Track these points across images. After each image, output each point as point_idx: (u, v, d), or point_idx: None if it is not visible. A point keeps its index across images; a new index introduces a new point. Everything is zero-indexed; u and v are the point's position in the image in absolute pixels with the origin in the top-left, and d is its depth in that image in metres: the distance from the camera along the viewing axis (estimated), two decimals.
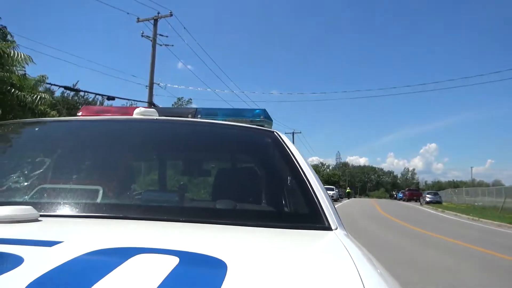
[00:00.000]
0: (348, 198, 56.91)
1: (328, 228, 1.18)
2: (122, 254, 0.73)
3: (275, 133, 1.74)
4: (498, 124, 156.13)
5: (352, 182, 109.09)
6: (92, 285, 0.59)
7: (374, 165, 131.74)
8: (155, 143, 1.71)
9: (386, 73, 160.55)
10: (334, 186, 50.57)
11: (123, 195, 1.36)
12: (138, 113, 1.92)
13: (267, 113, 2.38)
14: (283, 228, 1.16)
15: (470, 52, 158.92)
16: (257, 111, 2.40)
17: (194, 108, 2.55)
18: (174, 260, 0.70)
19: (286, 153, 1.53)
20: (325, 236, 1.12)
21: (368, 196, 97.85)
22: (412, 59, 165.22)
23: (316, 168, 78.95)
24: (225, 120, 2.13)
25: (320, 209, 1.24)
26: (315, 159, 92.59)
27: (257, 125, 2.00)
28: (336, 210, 1.44)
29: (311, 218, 1.25)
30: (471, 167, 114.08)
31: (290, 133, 49.33)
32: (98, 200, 1.28)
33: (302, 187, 1.34)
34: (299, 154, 1.54)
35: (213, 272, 0.70)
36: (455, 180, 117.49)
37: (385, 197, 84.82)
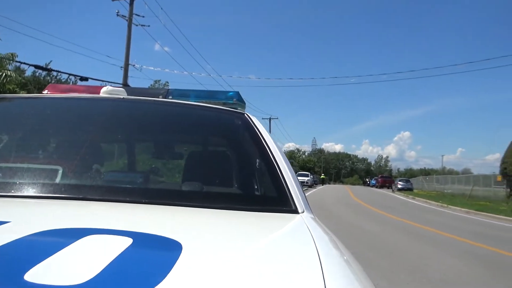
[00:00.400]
0: (323, 184, 57.71)
1: (295, 211, 1.17)
2: (71, 235, 0.70)
3: (245, 115, 1.71)
4: (469, 114, 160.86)
5: (327, 168, 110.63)
6: (33, 266, 0.55)
7: (349, 152, 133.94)
8: (120, 123, 1.65)
9: (363, 61, 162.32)
10: (309, 172, 51.14)
11: (84, 175, 1.30)
12: (105, 92, 1.85)
13: (240, 95, 2.35)
14: (249, 211, 1.15)
15: (445, 42, 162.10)
16: (230, 93, 2.36)
17: (166, 88, 2.49)
18: (127, 241, 0.67)
19: (256, 136, 1.51)
20: (291, 219, 1.11)
21: (342, 182, 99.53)
22: (389, 48, 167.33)
23: (292, 154, 79.69)
24: (198, 102, 2.09)
25: (287, 192, 1.23)
26: (291, 145, 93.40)
27: (230, 108, 1.97)
28: (304, 194, 1.43)
29: (278, 201, 1.24)
30: (442, 156, 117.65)
31: (267, 118, 49.38)
32: (57, 180, 1.22)
33: (271, 170, 1.33)
34: (269, 137, 1.52)
35: (166, 253, 0.68)
36: (426, 167, 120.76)
37: (358, 184, 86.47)
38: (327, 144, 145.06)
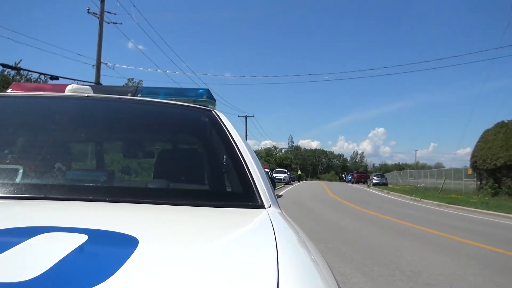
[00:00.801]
0: (299, 181, 58.12)
1: (261, 206, 1.18)
2: (24, 234, 0.69)
3: (213, 112, 1.71)
4: (441, 109, 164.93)
5: (304, 165, 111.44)
6: None
7: (325, 149, 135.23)
8: (84, 121, 1.63)
9: (337, 58, 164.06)
10: (286, 169, 51.37)
11: (46, 174, 1.28)
12: (70, 90, 1.82)
13: (210, 93, 2.34)
14: (215, 207, 1.16)
15: (417, 39, 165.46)
16: (200, 90, 2.35)
17: (135, 86, 2.46)
18: (82, 238, 0.67)
19: (223, 133, 1.51)
20: (256, 214, 1.12)
21: (319, 178, 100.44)
22: (363, 45, 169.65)
23: (269, 152, 79.86)
24: (167, 100, 2.07)
25: (253, 187, 1.24)
26: (268, 143, 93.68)
27: (200, 105, 1.96)
28: (273, 189, 1.44)
29: (244, 197, 1.25)
30: (416, 151, 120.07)
31: (243, 116, 49.40)
32: (17, 180, 1.20)
33: (237, 166, 1.34)
34: (237, 134, 1.53)
35: (121, 248, 0.68)
36: (400, 162, 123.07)
37: (335, 180, 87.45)
38: (303, 141, 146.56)
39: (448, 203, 18.14)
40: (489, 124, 26.56)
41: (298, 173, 67.16)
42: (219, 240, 0.85)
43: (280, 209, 1.32)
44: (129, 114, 1.69)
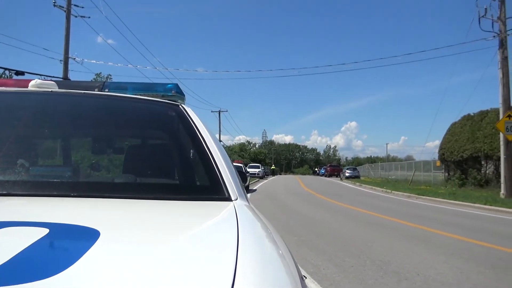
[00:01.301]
0: (273, 175, 58.44)
1: (228, 199, 1.19)
2: None
3: (180, 106, 1.71)
4: (411, 103, 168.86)
5: (278, 159, 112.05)
6: None
7: (298, 143, 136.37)
8: (48, 116, 1.60)
9: (309, 53, 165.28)
10: (260, 164, 51.49)
11: (8, 171, 1.26)
12: (34, 85, 1.78)
13: (179, 87, 2.33)
14: (182, 200, 1.16)
15: (387, 35, 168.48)
16: (169, 85, 2.33)
17: (102, 81, 2.42)
18: (43, 231, 0.67)
19: (190, 127, 1.52)
20: (222, 207, 1.13)
21: (293, 173, 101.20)
22: (334, 40, 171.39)
23: (243, 147, 79.87)
24: (135, 95, 2.06)
25: (220, 180, 1.25)
26: (242, 138, 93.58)
27: (168, 100, 1.96)
28: (240, 182, 1.46)
29: (211, 190, 1.26)
30: (387, 144, 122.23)
31: (217, 111, 49.22)
32: None
33: (204, 159, 1.35)
34: (204, 128, 1.54)
35: (81, 241, 0.68)
36: (372, 156, 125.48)
37: (309, 174, 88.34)
38: (277, 136, 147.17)
39: (418, 194, 18.65)
40: (456, 117, 27.45)
41: (272, 167, 67.53)
42: (180, 233, 0.86)
43: (248, 202, 1.34)
44: (94, 110, 1.67)
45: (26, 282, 0.52)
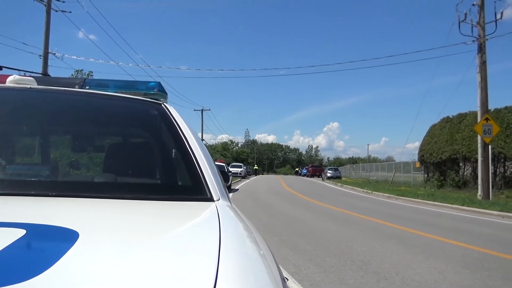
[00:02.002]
0: (256, 175, 58.47)
1: (210, 199, 1.19)
2: None
3: (162, 105, 1.70)
4: (392, 105, 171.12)
5: (260, 159, 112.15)
6: None
7: (281, 143, 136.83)
8: (26, 113, 1.56)
9: (293, 54, 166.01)
10: (242, 163, 51.48)
11: None
12: (12, 81, 1.74)
13: (162, 86, 2.31)
14: (163, 200, 1.15)
15: (369, 37, 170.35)
16: (151, 83, 2.31)
17: (83, 78, 2.39)
18: (19, 232, 0.66)
19: (172, 126, 1.51)
20: (203, 207, 1.12)
21: (275, 172, 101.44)
22: (318, 41, 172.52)
23: (226, 146, 79.64)
24: (117, 92, 2.03)
25: (202, 180, 1.25)
26: (224, 137, 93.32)
27: (151, 99, 1.94)
28: (223, 182, 1.45)
29: (192, 190, 1.26)
30: (368, 145, 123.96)
31: (199, 110, 48.96)
32: None
33: (186, 159, 1.34)
34: (186, 127, 1.52)
35: (59, 242, 0.67)
36: (354, 156, 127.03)
37: (291, 174, 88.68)
38: (260, 135, 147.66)
39: (398, 195, 18.92)
40: (436, 120, 27.89)
41: (255, 167, 67.58)
42: (161, 235, 0.85)
43: (230, 202, 1.34)
44: (74, 107, 1.64)
45: (0, 286, 0.50)
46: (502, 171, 20.55)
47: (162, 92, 2.27)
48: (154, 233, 0.84)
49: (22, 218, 0.78)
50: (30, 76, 2.02)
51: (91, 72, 26.22)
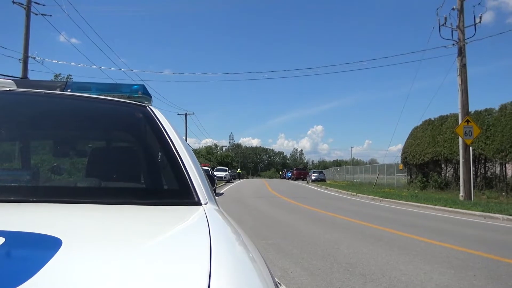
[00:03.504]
0: (240, 179, 58.39)
1: (197, 203, 1.17)
2: None
3: (147, 108, 1.67)
4: (375, 107, 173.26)
5: (245, 163, 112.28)
6: None
7: (266, 146, 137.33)
8: (5, 117, 1.51)
9: (276, 57, 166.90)
10: (227, 167, 51.38)
11: None
12: None
13: (146, 89, 2.28)
14: (149, 205, 1.13)
15: (352, 41, 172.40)
16: (135, 86, 2.28)
17: (64, 81, 2.34)
18: None
19: (158, 129, 1.49)
20: (192, 211, 1.10)
21: (260, 176, 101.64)
22: (301, 45, 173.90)
23: (210, 150, 79.44)
24: (100, 95, 1.99)
25: (189, 184, 1.23)
26: (208, 141, 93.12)
27: (135, 101, 1.91)
28: (210, 186, 1.43)
29: (180, 194, 1.24)
30: (351, 147, 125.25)
31: (183, 114, 48.72)
32: None
33: (173, 162, 1.32)
34: (172, 130, 1.50)
35: (41, 250, 0.63)
36: (338, 159, 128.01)
37: (276, 177, 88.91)
38: (244, 139, 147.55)
39: (382, 197, 19.11)
40: (418, 122, 28.31)
41: (238, 171, 67.45)
42: (150, 239, 0.82)
43: (218, 206, 1.32)
44: (56, 110, 1.60)
45: None
46: (483, 172, 20.95)
47: (146, 95, 2.23)
48: (141, 239, 0.81)
49: (0, 226, 0.74)
50: (10, 79, 1.96)
51: (70, 75, 25.67)
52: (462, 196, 16.69)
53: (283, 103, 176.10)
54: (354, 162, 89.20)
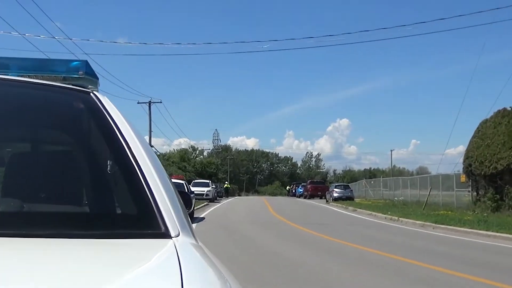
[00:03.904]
0: (228, 197, 58.38)
1: (165, 234, 1.19)
2: None
3: (91, 94, 1.70)
4: (424, 93, 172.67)
5: (236, 173, 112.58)
6: None
7: (266, 149, 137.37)
8: None
9: (281, 20, 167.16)
10: (210, 180, 51.14)
11: None
12: None
13: (90, 66, 2.29)
14: (95, 238, 1.15)
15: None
16: (75, 63, 2.29)
17: None
18: None
19: (106, 125, 1.51)
20: (155, 247, 1.12)
21: (258, 192, 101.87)
22: (316, 4, 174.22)
23: (185, 155, 79.58)
24: (22, 77, 2.01)
25: (153, 206, 1.24)
26: (183, 142, 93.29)
27: (73, 85, 1.92)
28: (183, 208, 1.44)
29: (139, 221, 1.26)
30: (391, 150, 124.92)
31: (146, 102, 48.73)
32: None
33: (128, 174, 1.34)
34: (128, 127, 1.53)
35: None
36: (371, 168, 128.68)
37: (281, 194, 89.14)
38: (235, 139, 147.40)
39: (436, 222, 19.18)
40: (487, 113, 28.26)
41: (226, 184, 67.47)
42: None
43: (195, 238, 1.34)
44: None
45: None
46: None
47: (90, 75, 2.24)
48: None
49: None
50: None
51: None
52: None
53: (291, 87, 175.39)
54: (395, 172, 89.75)
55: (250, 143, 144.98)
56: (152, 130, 46.57)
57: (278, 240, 14.15)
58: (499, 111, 26.11)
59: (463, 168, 28.94)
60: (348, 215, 27.21)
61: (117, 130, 1.47)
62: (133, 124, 1.62)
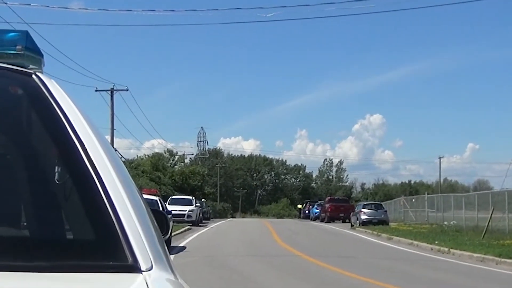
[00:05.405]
0: (218, 218, 58.46)
1: (133, 267, 1.20)
2: None
3: (34, 77, 1.73)
4: (482, 81, 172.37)
5: (229, 187, 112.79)
6: None
7: (270, 155, 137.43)
8: None
9: None
10: (193, 196, 51.15)
11: None
12: None
13: (32, 40, 2.31)
14: (40, 272, 1.16)
15: None
16: (11, 35, 2.32)
17: None
18: None
19: (53, 118, 1.53)
20: (121, 285, 1.14)
21: (258, 213, 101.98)
22: None
23: (159, 161, 79.80)
24: None
25: (117, 230, 1.26)
26: (157, 144, 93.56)
27: (9, 64, 1.95)
28: (158, 232, 1.45)
29: (99, 249, 1.28)
30: (440, 157, 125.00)
31: (107, 90, 48.82)
32: None
33: (83, 186, 1.35)
34: (82, 119, 1.55)
35: None
36: (412, 180, 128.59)
37: (289, 215, 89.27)
38: (227, 141, 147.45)
39: (500, 255, 19.15)
40: None
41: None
42: None
43: (174, 273, 1.36)
44: None
45: None
46: None
47: (32, 51, 2.27)
48: None
49: None
50: None
51: None
52: None
53: (303, 71, 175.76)
54: (445, 187, 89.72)
55: (248, 146, 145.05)
56: (115, 128, 46.42)
57: (287, 281, 14.19)
58: None
59: None
60: (381, 245, 27.25)
61: (68, 125, 1.49)
62: (90, 117, 1.63)
